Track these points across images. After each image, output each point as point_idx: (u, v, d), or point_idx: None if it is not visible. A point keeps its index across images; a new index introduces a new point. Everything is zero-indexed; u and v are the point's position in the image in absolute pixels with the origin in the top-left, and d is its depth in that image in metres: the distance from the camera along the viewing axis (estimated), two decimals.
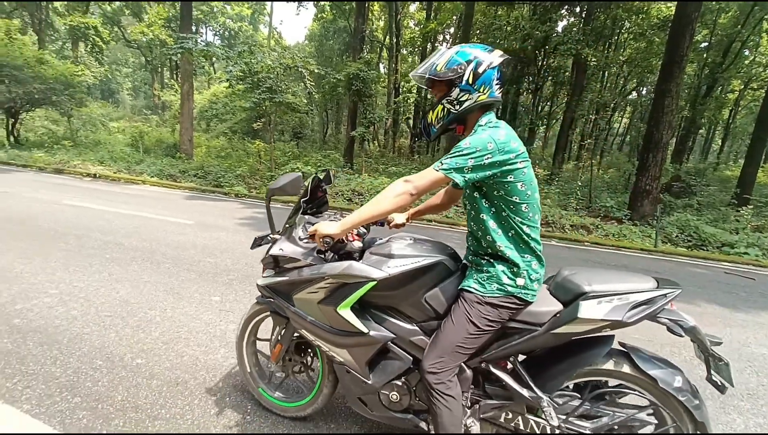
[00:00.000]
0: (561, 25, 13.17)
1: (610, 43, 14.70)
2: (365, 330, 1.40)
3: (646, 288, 1.26)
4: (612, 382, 1.38)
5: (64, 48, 27.03)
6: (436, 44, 19.34)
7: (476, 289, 1.31)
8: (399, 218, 1.82)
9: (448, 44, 18.55)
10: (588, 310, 1.22)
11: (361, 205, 8.54)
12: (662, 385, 1.24)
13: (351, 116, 12.78)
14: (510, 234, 1.30)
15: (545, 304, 1.33)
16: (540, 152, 17.30)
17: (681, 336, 1.21)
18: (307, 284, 1.46)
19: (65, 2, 22.75)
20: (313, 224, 1.52)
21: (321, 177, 1.70)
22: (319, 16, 22.43)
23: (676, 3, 8.51)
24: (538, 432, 1.37)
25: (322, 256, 1.48)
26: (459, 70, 1.29)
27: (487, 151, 1.20)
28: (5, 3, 21.30)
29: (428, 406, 1.34)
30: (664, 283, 1.29)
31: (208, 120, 20.99)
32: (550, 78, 14.11)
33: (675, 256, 6.47)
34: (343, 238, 1.44)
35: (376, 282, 1.36)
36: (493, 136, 1.22)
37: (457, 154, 1.21)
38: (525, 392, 1.34)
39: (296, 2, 18.82)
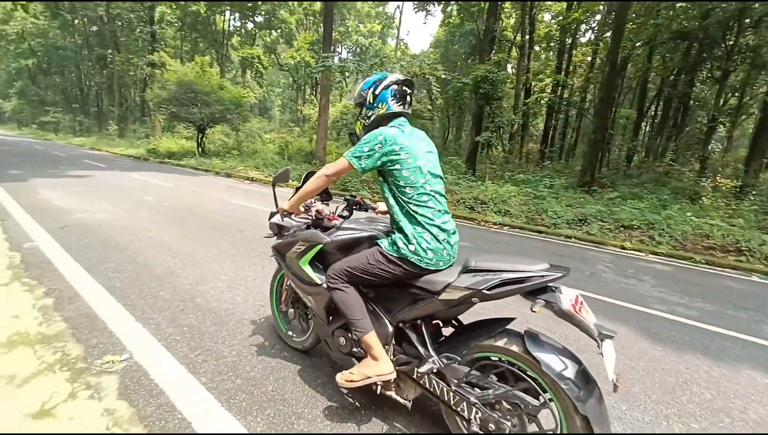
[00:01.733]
0: None
1: None
2: (319, 281, 1.83)
3: (526, 269, 1.35)
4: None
5: (236, 76, 33.57)
6: (577, 36, 17.22)
7: (383, 245, 1.63)
8: (382, 206, 2.24)
9: (595, 32, 16.26)
10: (461, 280, 1.44)
11: (485, 213, 7.96)
12: (544, 368, 1.30)
13: (476, 121, 12.28)
14: (403, 212, 1.61)
15: (445, 277, 1.52)
16: (720, 158, 13.50)
17: (533, 311, 1.30)
18: (292, 245, 1.94)
19: (240, 38, 28.17)
20: (310, 207, 2.03)
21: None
22: (446, 21, 22.46)
23: None
24: (438, 391, 1.56)
25: (310, 228, 1.94)
26: (364, 95, 1.75)
27: (377, 142, 1.56)
28: (200, 44, 27.54)
29: (335, 304, 1.73)
30: (554, 269, 1.35)
31: (339, 129, 23.18)
32: (745, 61, 10.76)
33: None
34: (313, 216, 1.97)
35: (321, 245, 1.83)
36: (383, 132, 1.58)
37: (357, 145, 1.60)
38: (421, 350, 1.58)
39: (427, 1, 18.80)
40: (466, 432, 1.56)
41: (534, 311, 1.29)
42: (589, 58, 17.87)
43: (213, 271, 3.55)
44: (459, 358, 1.51)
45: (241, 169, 13.64)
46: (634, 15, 11.98)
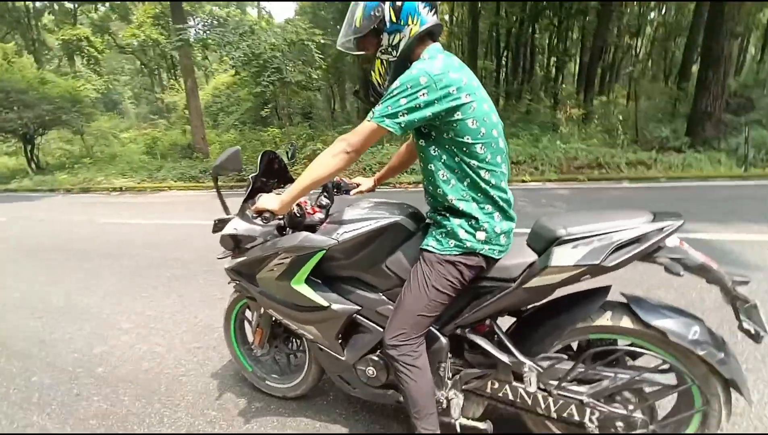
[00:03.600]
0: None
1: None
2: (325, 304, 1.34)
3: (635, 224, 1.07)
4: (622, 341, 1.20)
5: (61, 65, 26.65)
6: None
7: (434, 247, 1.17)
8: (365, 184, 1.72)
9: None
10: (561, 256, 1.06)
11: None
12: (673, 338, 1.06)
13: (364, 85, 12.04)
14: (465, 183, 1.14)
15: (517, 257, 1.19)
16: (562, 92, 16.15)
17: (679, 275, 1.02)
18: (266, 262, 1.39)
19: (54, 18, 22.14)
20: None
21: (275, 151, 1.63)
22: None
23: None
24: (529, 402, 1.23)
25: (284, 232, 1.41)
26: (377, 14, 1.13)
27: (421, 87, 1.04)
28: None
29: (396, 380, 1.23)
30: (663, 217, 1.08)
31: (214, 115, 20.51)
32: (571, 9, 12.70)
33: None
34: (294, 211, 1.36)
35: (324, 251, 1.30)
36: (426, 69, 1.05)
37: (387, 97, 1.07)
38: (505, 358, 1.21)
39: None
40: None
41: (678, 275, 1.03)
42: (447, 17, 18.91)
43: (108, 320, 2.73)
44: (563, 355, 1.22)
45: (101, 179, 11.10)
46: None
